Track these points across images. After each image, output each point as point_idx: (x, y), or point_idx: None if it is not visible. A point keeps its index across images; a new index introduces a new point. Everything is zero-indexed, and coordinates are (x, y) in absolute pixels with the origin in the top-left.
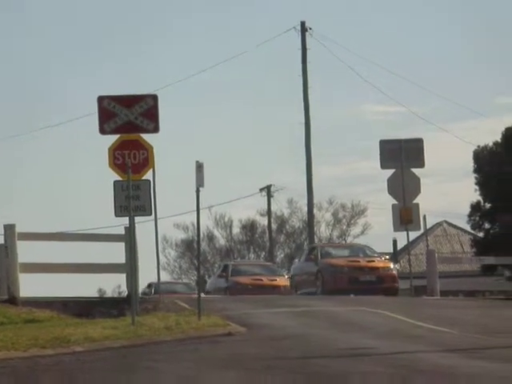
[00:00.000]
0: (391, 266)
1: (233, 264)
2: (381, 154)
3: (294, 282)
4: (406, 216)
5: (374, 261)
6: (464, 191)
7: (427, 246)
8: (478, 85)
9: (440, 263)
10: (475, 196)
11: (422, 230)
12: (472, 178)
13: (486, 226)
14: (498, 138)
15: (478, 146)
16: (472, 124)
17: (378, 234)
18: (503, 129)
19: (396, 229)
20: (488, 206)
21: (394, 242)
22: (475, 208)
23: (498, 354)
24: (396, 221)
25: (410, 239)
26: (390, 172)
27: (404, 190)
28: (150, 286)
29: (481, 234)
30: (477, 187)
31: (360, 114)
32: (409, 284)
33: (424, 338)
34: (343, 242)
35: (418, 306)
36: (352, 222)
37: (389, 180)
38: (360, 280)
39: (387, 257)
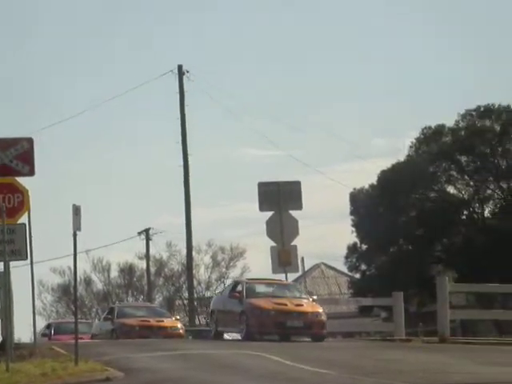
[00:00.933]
0: (320, 310)
1: (118, 306)
2: (259, 197)
3: (214, 318)
4: (284, 258)
5: (302, 304)
6: (341, 233)
7: (305, 287)
8: (356, 127)
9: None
10: (352, 238)
11: (300, 272)
12: (349, 220)
13: (363, 267)
14: (374, 180)
15: (355, 189)
16: (349, 166)
17: (257, 275)
18: (379, 171)
19: (275, 271)
20: (364, 247)
21: None
22: (352, 249)
23: None
24: (275, 263)
25: (289, 281)
26: (268, 214)
27: (282, 232)
28: (49, 326)
29: (357, 276)
30: (353, 229)
31: (239, 156)
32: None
33: (303, 380)
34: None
35: (298, 347)
36: (231, 264)
37: (267, 222)
38: (287, 325)
39: (315, 297)
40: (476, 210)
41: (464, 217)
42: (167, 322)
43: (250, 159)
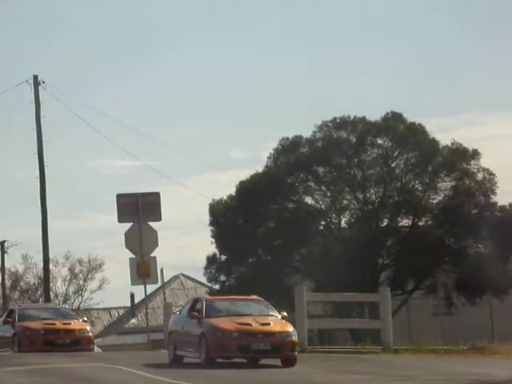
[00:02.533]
0: (291, 330)
1: (20, 308)
2: (118, 208)
3: (171, 340)
4: (143, 269)
5: (269, 323)
6: (201, 244)
7: (164, 299)
8: (214, 139)
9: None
10: (211, 249)
11: (159, 284)
12: (208, 231)
13: (222, 278)
14: (233, 191)
15: (214, 200)
16: (209, 178)
17: (116, 288)
18: (237, 182)
19: (133, 282)
20: (224, 258)
21: (132, 296)
22: (211, 260)
23: None
24: (133, 274)
25: (148, 292)
26: (127, 226)
27: (141, 243)
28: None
29: (217, 286)
30: (213, 240)
31: (97, 168)
32: (146, 338)
33: None
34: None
35: (156, 359)
36: (89, 276)
37: (126, 234)
38: (252, 348)
39: (284, 314)
40: (333, 220)
41: (321, 227)
42: (75, 324)
43: (109, 170)
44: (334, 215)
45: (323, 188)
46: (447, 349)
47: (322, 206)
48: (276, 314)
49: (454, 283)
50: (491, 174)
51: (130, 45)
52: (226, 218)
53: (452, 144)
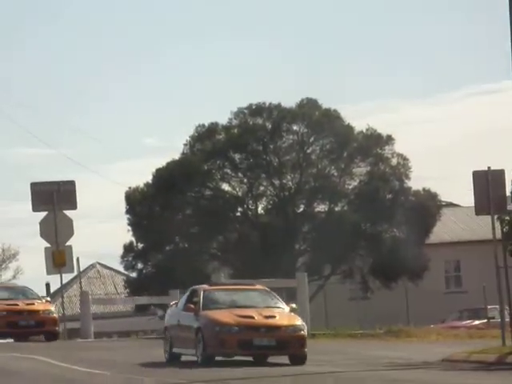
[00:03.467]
0: (299, 322)
1: None
2: (32, 197)
3: (167, 336)
4: (58, 259)
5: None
6: (117, 232)
7: (81, 288)
8: (126, 127)
9: (94, 305)
10: (128, 237)
11: (75, 272)
12: (124, 219)
13: (139, 266)
14: (149, 179)
15: (130, 188)
16: (124, 165)
17: (31, 277)
18: (153, 170)
19: (49, 272)
20: (141, 246)
21: (47, 286)
22: (128, 249)
23: None
24: (49, 264)
25: (64, 281)
26: (42, 214)
27: (57, 232)
28: None
29: (134, 275)
30: (129, 228)
31: (12, 156)
32: (62, 327)
33: (76, 381)
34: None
35: (72, 349)
36: (3, 266)
37: (41, 223)
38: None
39: (293, 306)
40: (250, 206)
41: (238, 213)
42: (38, 304)
43: (23, 159)
44: (250, 202)
45: (240, 175)
46: (364, 333)
47: (239, 193)
48: (283, 305)
49: (369, 268)
50: (405, 159)
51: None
52: (143, 206)
53: (367, 130)
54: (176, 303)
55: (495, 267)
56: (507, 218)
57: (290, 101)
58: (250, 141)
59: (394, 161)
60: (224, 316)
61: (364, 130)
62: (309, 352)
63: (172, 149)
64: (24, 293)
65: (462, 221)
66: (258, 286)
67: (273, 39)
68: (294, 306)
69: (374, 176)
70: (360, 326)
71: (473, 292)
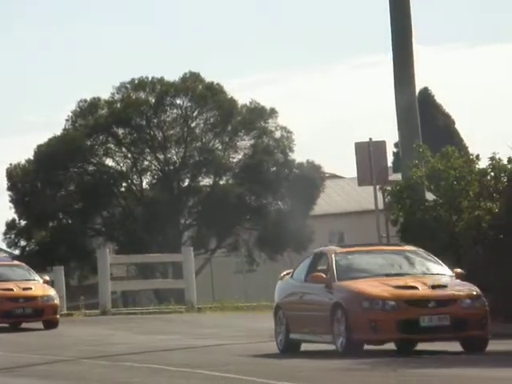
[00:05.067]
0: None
1: None
2: None
3: (281, 318)
4: None
5: (445, 285)
6: None
7: None
8: (7, 103)
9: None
10: (10, 214)
11: None
12: (6, 196)
13: (22, 243)
14: (31, 155)
15: (11, 164)
16: (5, 142)
17: None
18: (35, 146)
19: None
20: (23, 223)
21: None
22: (10, 226)
23: (35, 371)
24: None
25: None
26: None
27: None
28: None
29: (17, 252)
30: (11, 205)
31: None
32: None
33: None
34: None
35: None
36: None
37: None
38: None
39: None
40: (134, 181)
41: (123, 189)
42: (37, 288)
43: None
44: (135, 176)
45: (123, 150)
46: (249, 305)
47: (123, 168)
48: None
49: (255, 240)
50: (288, 131)
51: None
52: (24, 183)
53: (250, 103)
54: (288, 273)
55: (378, 237)
56: (389, 188)
57: (172, 75)
58: (133, 115)
59: (278, 134)
60: (372, 287)
61: (248, 104)
62: (195, 326)
63: (54, 125)
64: (19, 272)
65: (345, 192)
66: (408, 247)
67: (153, 13)
68: (459, 270)
69: (258, 149)
70: (246, 299)
71: None
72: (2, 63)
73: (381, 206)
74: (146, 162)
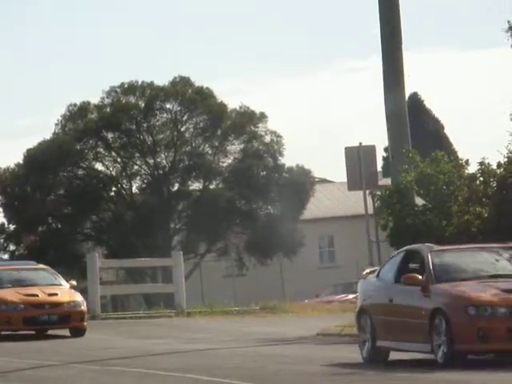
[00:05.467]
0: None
1: None
2: None
3: (366, 322)
4: None
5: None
6: None
7: None
8: None
9: None
10: None
11: None
12: None
13: (11, 247)
14: (20, 159)
15: (0, 168)
16: None
17: None
18: (25, 150)
19: None
20: (12, 227)
21: None
22: None
23: (22, 376)
24: None
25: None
26: None
27: None
28: None
29: (6, 256)
30: (0, 209)
31: None
32: None
33: None
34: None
35: None
36: None
37: None
38: None
39: (74, 283)
40: (124, 186)
41: (112, 193)
42: (63, 293)
43: None
44: (124, 181)
45: (113, 154)
46: (239, 310)
47: (113, 172)
48: None
49: (244, 245)
50: (278, 136)
51: None
52: (14, 187)
53: (240, 107)
54: (372, 271)
55: (367, 242)
56: (378, 192)
57: (162, 79)
58: (122, 120)
59: (268, 138)
60: (477, 291)
61: (237, 108)
62: (185, 330)
63: (44, 129)
64: (44, 276)
65: (335, 196)
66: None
67: (143, 17)
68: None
69: (248, 153)
70: (236, 303)
71: (346, 267)
72: None
73: (370, 210)
74: (136, 167)
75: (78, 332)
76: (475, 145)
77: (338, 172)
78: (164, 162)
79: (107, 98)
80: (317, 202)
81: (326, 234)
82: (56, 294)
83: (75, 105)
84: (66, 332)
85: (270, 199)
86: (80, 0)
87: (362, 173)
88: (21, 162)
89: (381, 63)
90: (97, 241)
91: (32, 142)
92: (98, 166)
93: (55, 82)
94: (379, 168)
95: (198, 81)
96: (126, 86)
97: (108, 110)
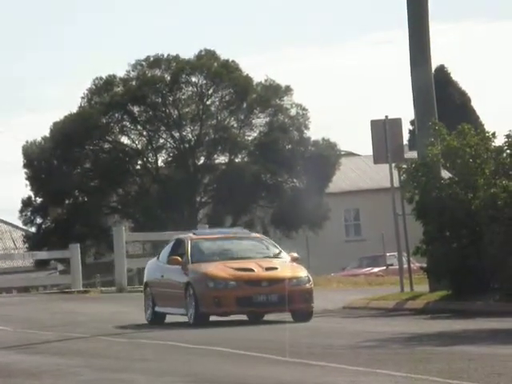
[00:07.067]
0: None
1: (192, 237)
2: None
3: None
4: None
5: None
6: (15, 187)
7: None
8: (25, 78)
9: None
10: (26, 191)
11: None
12: (22, 174)
13: (38, 220)
14: (47, 133)
15: (27, 142)
16: (21, 119)
17: None
18: (51, 123)
19: None
20: (39, 200)
21: None
22: (26, 203)
23: (49, 348)
24: None
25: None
26: None
27: None
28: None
29: (33, 229)
30: (27, 182)
31: None
32: None
33: None
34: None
35: None
36: None
37: None
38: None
39: (295, 255)
40: (150, 159)
41: (138, 167)
42: (283, 267)
43: None
44: (150, 154)
45: (139, 127)
46: None
47: (139, 146)
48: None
49: (270, 218)
50: (304, 109)
51: None
52: (41, 160)
53: (265, 80)
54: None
55: (393, 215)
56: (404, 166)
57: (188, 52)
58: (148, 93)
59: (293, 111)
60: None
61: (263, 81)
62: None
63: (70, 102)
64: (258, 247)
65: (360, 170)
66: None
67: None
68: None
69: (274, 127)
70: None
71: (372, 240)
72: (17, 42)
73: (396, 183)
74: (162, 140)
75: (301, 316)
76: (502, 117)
77: (363, 145)
78: (190, 135)
79: (133, 71)
80: (342, 176)
81: (351, 208)
82: (275, 269)
83: (101, 78)
84: (288, 316)
85: (296, 173)
86: None
87: (388, 146)
88: (47, 135)
89: (407, 36)
90: (123, 214)
91: (58, 116)
92: (124, 140)
93: (81, 55)
94: (405, 141)
95: (224, 54)
96: (151, 59)
97: (134, 83)
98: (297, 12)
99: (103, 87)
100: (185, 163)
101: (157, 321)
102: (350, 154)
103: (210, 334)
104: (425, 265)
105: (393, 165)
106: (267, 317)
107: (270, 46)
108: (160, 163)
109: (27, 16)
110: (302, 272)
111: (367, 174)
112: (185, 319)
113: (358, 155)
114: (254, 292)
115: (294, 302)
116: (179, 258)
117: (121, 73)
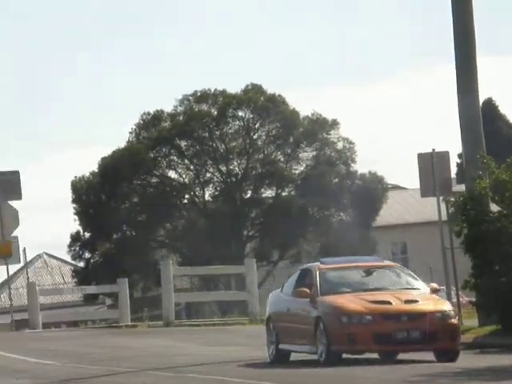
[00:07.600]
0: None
1: (321, 267)
2: None
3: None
4: (4, 250)
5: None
6: (64, 222)
7: (28, 278)
8: (73, 116)
9: (41, 295)
10: (75, 226)
11: (21, 263)
12: (71, 209)
13: (87, 255)
14: (95, 168)
15: (76, 177)
16: (69, 155)
17: None
18: (99, 159)
19: None
20: (88, 235)
21: None
22: (75, 238)
23: (100, 383)
24: None
25: (10, 273)
26: None
27: (2, 223)
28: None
29: (82, 264)
30: (76, 217)
31: None
32: (9, 319)
33: (28, 371)
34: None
35: (21, 340)
36: None
37: None
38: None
39: (436, 286)
40: (197, 193)
41: (186, 201)
42: (425, 300)
43: None
44: (197, 188)
45: (186, 161)
46: None
47: (186, 180)
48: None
49: (318, 251)
50: (350, 142)
51: None
52: (89, 195)
53: (312, 114)
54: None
55: (441, 248)
56: (452, 199)
57: (234, 87)
58: (195, 127)
59: (340, 145)
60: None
61: (309, 115)
62: (258, 337)
63: (118, 137)
64: (393, 276)
65: (408, 203)
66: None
67: (215, 25)
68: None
69: (320, 160)
70: None
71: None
72: (67, 79)
73: (444, 217)
74: (209, 174)
75: (447, 355)
76: None
77: (410, 178)
78: (237, 169)
79: (180, 106)
80: (389, 209)
81: (398, 241)
82: (415, 301)
83: (149, 113)
84: (430, 355)
85: (343, 206)
86: (155, 10)
87: (436, 179)
88: (95, 170)
89: (454, 69)
90: (171, 248)
91: (106, 151)
92: (172, 174)
93: (129, 90)
94: (453, 174)
95: (270, 88)
96: (198, 94)
97: (181, 118)
98: (341, 47)
99: (151, 122)
100: (232, 197)
101: (280, 358)
102: (396, 188)
103: (256, 370)
104: (474, 299)
105: (440, 198)
106: (401, 355)
107: (315, 80)
108: (207, 197)
109: (80, 48)
110: (446, 306)
111: (414, 207)
112: (313, 357)
113: (405, 188)
114: (393, 328)
115: (438, 339)
116: (307, 290)
117: (168, 108)
